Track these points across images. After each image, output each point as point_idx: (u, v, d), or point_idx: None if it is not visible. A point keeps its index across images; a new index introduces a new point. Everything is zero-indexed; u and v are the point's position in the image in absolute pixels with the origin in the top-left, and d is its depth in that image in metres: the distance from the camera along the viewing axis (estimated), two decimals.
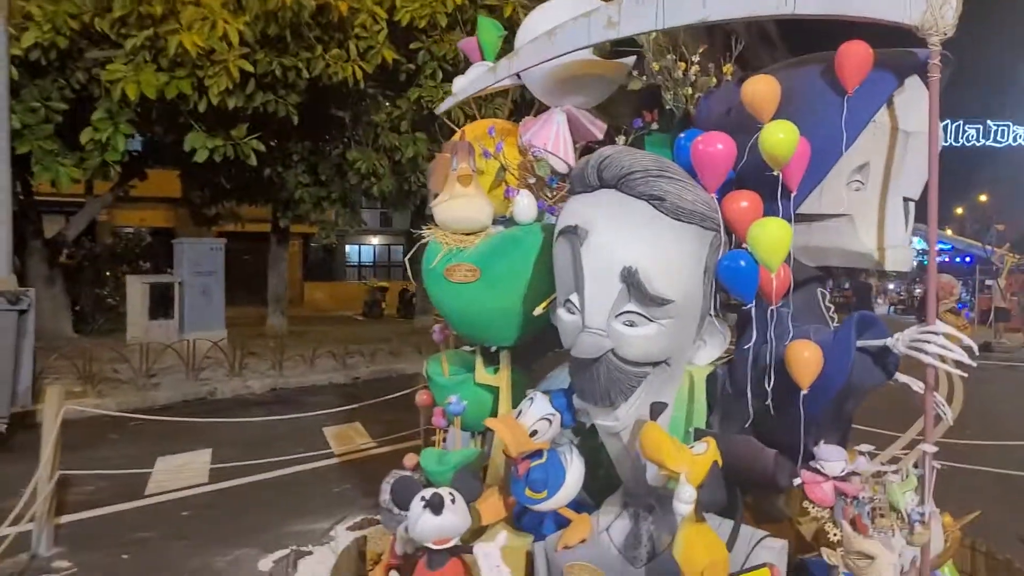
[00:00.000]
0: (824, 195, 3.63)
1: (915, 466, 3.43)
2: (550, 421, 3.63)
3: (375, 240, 40.81)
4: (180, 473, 7.17)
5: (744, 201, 3.37)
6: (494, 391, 4.24)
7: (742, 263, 3.22)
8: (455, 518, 3.57)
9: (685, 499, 3.04)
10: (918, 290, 31.59)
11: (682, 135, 3.62)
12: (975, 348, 3.33)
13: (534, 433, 3.62)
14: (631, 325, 3.24)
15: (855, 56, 3.35)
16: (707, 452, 3.18)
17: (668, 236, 3.21)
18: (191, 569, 4.91)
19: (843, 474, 3.30)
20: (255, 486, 6.84)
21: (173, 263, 15.02)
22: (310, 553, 5.08)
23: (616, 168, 3.26)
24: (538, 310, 3.69)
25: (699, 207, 3.22)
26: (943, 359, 3.27)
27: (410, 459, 4.46)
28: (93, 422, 9.19)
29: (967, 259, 23.27)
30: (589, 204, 3.34)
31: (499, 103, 12.95)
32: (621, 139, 4.26)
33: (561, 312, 3.46)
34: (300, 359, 13.51)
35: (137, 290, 13.75)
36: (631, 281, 3.17)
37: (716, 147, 3.28)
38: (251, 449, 7.97)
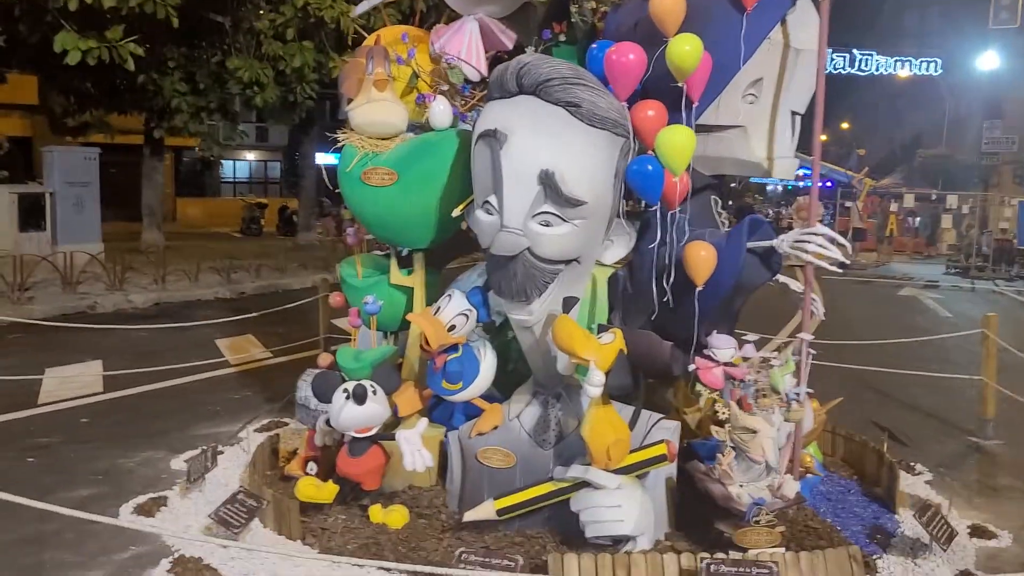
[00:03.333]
0: (721, 107, 3.92)
1: (793, 353, 3.85)
2: (467, 316, 3.86)
3: (251, 156, 39.40)
4: (72, 383, 7.03)
5: (651, 110, 3.62)
6: (407, 292, 4.42)
7: (649, 167, 3.49)
8: (377, 407, 3.79)
9: (595, 383, 3.34)
10: (784, 211, 33.23)
11: (594, 45, 3.80)
12: (849, 246, 3.74)
13: (452, 328, 3.84)
14: (546, 225, 3.47)
15: None
16: (614, 341, 3.48)
17: (583, 141, 3.43)
18: (99, 470, 4.93)
19: (731, 360, 3.66)
20: (153, 394, 6.81)
21: (33, 173, 14.15)
22: (221, 453, 5.17)
23: (535, 75, 3.43)
24: (456, 212, 3.86)
25: (612, 114, 3.45)
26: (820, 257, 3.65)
27: (324, 359, 4.62)
28: None
29: (828, 183, 24.61)
30: (508, 109, 3.51)
31: (390, 12, 12.77)
32: (530, 50, 4.41)
33: (479, 213, 3.65)
34: (182, 274, 13.19)
35: (4, 200, 12.97)
36: (548, 183, 3.38)
37: (628, 57, 3.49)
38: (143, 359, 7.86)
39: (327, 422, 4.07)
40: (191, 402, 6.57)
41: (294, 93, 14.08)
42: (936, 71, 33.04)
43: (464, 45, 4.28)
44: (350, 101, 4.30)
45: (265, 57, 13.53)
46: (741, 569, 3.16)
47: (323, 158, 24.47)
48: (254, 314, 7.90)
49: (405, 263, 4.44)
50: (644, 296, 4.09)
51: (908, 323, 11.92)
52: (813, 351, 3.80)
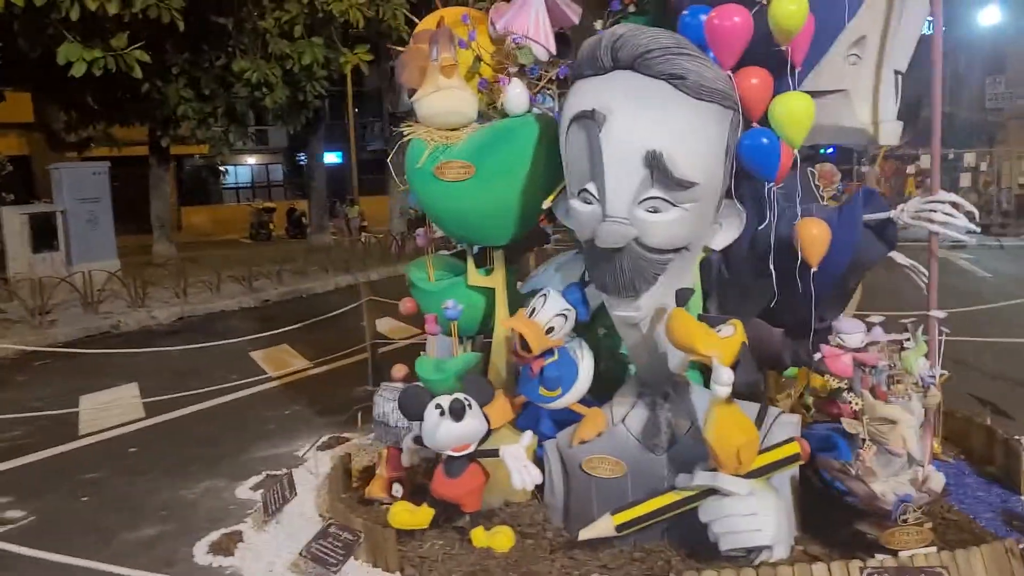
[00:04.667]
0: (823, 71, 3.59)
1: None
2: (566, 317, 3.54)
3: (251, 160, 39.01)
4: (111, 410, 6.74)
5: (755, 78, 3.29)
6: (486, 293, 4.10)
7: (765, 140, 3.17)
8: (475, 423, 3.49)
9: (724, 381, 3.03)
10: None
11: (686, 12, 3.47)
12: (976, 213, 3.42)
13: (549, 330, 3.53)
14: (655, 211, 3.15)
15: None
16: (735, 334, 3.17)
17: (690, 116, 3.10)
18: (160, 504, 4.64)
19: (862, 346, 3.35)
20: (199, 416, 6.52)
21: (34, 192, 13.77)
22: (287, 476, 4.88)
23: (632, 47, 3.11)
24: (547, 203, 3.55)
25: (719, 85, 3.12)
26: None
27: (399, 370, 4.32)
28: None
29: (830, 149, 24.20)
30: (603, 87, 3.18)
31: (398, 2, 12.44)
32: (599, 23, 4.08)
33: (575, 203, 3.33)
34: (202, 285, 12.89)
35: (15, 222, 12.61)
36: (655, 165, 3.06)
37: (733, 20, 3.16)
38: (180, 379, 7.60)
39: (415, 440, 3.76)
40: (240, 422, 6.27)
41: (303, 92, 13.72)
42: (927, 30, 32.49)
43: (531, 23, 3.94)
44: (412, 92, 3.98)
45: (272, 56, 13.17)
46: None
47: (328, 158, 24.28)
48: (296, 325, 7.54)
49: (481, 262, 4.12)
50: (744, 281, 3.79)
51: (950, 286, 11.59)
52: (946, 329, 3.49)
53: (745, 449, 3.16)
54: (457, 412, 3.38)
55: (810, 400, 4.34)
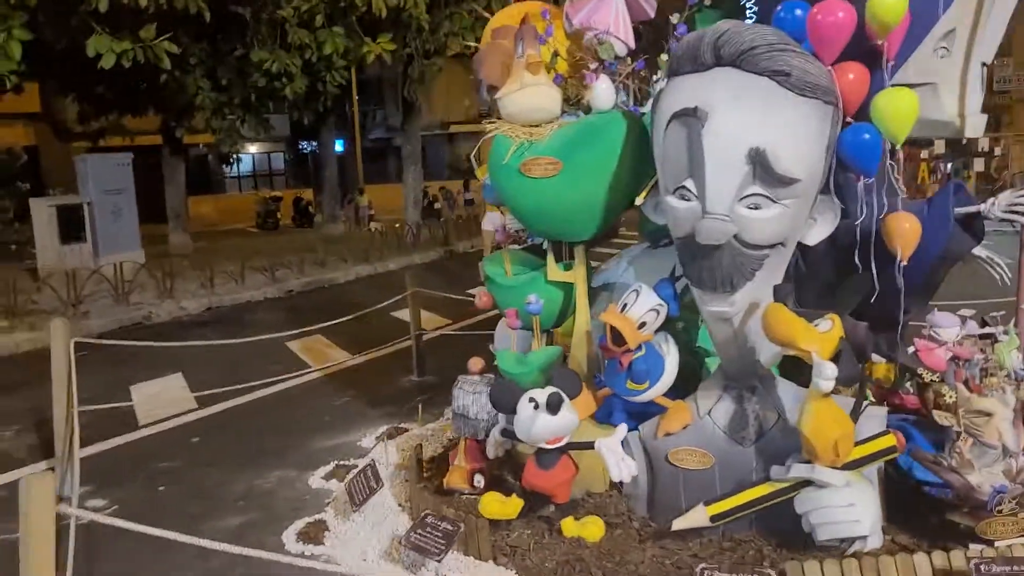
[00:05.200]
0: (912, 64, 3.61)
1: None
2: (658, 312, 3.58)
3: (253, 149, 38.85)
4: (163, 400, 6.80)
5: (851, 73, 3.31)
6: (564, 288, 4.14)
7: (867, 136, 3.19)
8: (570, 416, 3.53)
9: (827, 376, 3.06)
10: None
11: (779, 8, 3.48)
12: None
13: (642, 325, 3.57)
14: (755, 208, 3.18)
15: None
16: (833, 329, 3.20)
17: (793, 113, 3.12)
18: (238, 494, 4.70)
19: (959, 339, 3.39)
20: (252, 407, 6.57)
21: (43, 182, 13.77)
22: (355, 467, 4.94)
23: (737, 44, 3.13)
24: (639, 199, 3.58)
25: (822, 81, 3.15)
26: None
27: (476, 363, 4.36)
28: (31, 357, 8.61)
29: None
30: (705, 84, 3.20)
31: None
32: (675, 16, 4.11)
33: (671, 200, 3.36)
34: (226, 275, 12.91)
35: (43, 214, 12.64)
36: (759, 162, 3.09)
37: (837, 15, 3.17)
38: (224, 370, 7.64)
39: (503, 432, 3.82)
40: (295, 413, 6.33)
41: (323, 81, 13.70)
42: None
43: (612, 18, 3.97)
44: (491, 88, 4.01)
45: (291, 46, 13.13)
46: (1015, 568, 2.91)
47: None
48: (340, 320, 7.55)
49: (559, 257, 4.16)
50: (823, 276, 3.83)
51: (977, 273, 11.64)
52: None
53: (842, 441, 3.20)
54: (554, 406, 3.42)
55: (869, 392, 4.39)
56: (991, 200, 3.48)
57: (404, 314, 9.52)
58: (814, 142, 3.18)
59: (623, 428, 3.59)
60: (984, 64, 3.73)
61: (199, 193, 34.12)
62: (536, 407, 3.50)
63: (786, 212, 3.21)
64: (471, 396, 4.14)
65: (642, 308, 3.55)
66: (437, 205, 25.59)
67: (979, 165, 22.68)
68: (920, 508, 3.54)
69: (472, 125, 35.13)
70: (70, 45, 11.25)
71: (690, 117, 3.16)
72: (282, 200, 29.12)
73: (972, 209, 3.50)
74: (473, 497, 4.04)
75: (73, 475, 4.75)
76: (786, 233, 3.29)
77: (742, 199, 3.17)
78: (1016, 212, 3.43)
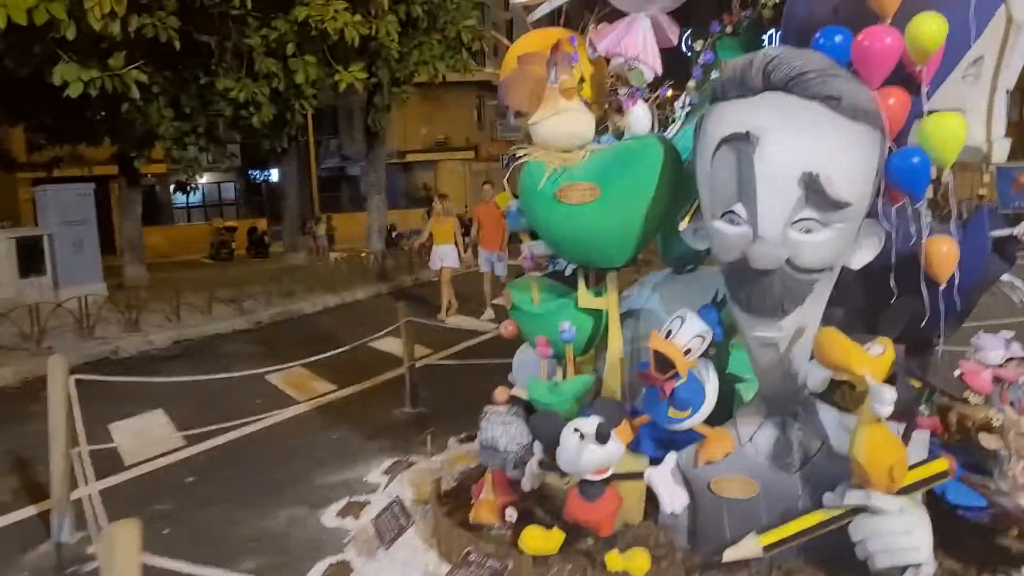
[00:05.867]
0: (942, 90, 3.65)
1: None
2: (703, 338, 3.53)
3: (203, 179, 38.22)
4: (147, 439, 6.54)
5: (892, 98, 3.33)
6: (594, 315, 4.07)
7: (916, 160, 3.20)
8: (617, 445, 3.46)
9: (886, 401, 3.03)
10: None
11: (818, 34, 3.50)
12: None
13: (687, 352, 3.51)
14: (807, 232, 3.17)
15: None
16: (885, 352, 3.19)
17: (844, 137, 3.13)
18: (249, 536, 4.51)
19: (1004, 361, 3.41)
20: (243, 443, 6.36)
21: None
22: (368, 503, 4.79)
23: (787, 69, 3.13)
24: (683, 224, 3.54)
25: (871, 106, 3.16)
26: None
27: (502, 393, 4.25)
28: None
29: None
30: (754, 109, 3.19)
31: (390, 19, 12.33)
32: (699, 43, 4.12)
33: (719, 224, 3.32)
34: (191, 308, 12.57)
35: (2, 246, 12.18)
36: (812, 187, 3.08)
37: (884, 42, 3.19)
38: (205, 405, 7.40)
39: (540, 464, 3.72)
40: (290, 448, 6.14)
41: (291, 110, 13.54)
42: None
43: (640, 44, 3.95)
44: (518, 114, 3.96)
45: (259, 75, 12.96)
46: None
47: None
48: (322, 356, 7.32)
49: (589, 283, 4.09)
50: (853, 301, 3.83)
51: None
52: None
53: (897, 467, 3.18)
54: (604, 436, 3.35)
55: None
56: (1023, 224, 3.53)
57: (384, 344, 9.42)
58: (864, 166, 3.18)
59: (672, 457, 3.53)
60: (1008, 91, 3.80)
61: (149, 224, 33.48)
62: (582, 437, 3.42)
63: (837, 236, 3.20)
64: (500, 427, 4.03)
65: (688, 335, 3.49)
66: (395, 234, 25.48)
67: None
68: (956, 533, 3.53)
69: (429, 154, 35.27)
70: (33, 74, 10.95)
71: (741, 142, 3.14)
72: (236, 230, 28.71)
73: (1006, 232, 3.54)
74: (503, 532, 3.93)
75: (68, 520, 4.55)
76: (836, 257, 3.29)
77: (794, 223, 3.15)
78: None
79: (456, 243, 12.51)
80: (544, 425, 3.55)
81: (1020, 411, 3.34)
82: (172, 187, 30.72)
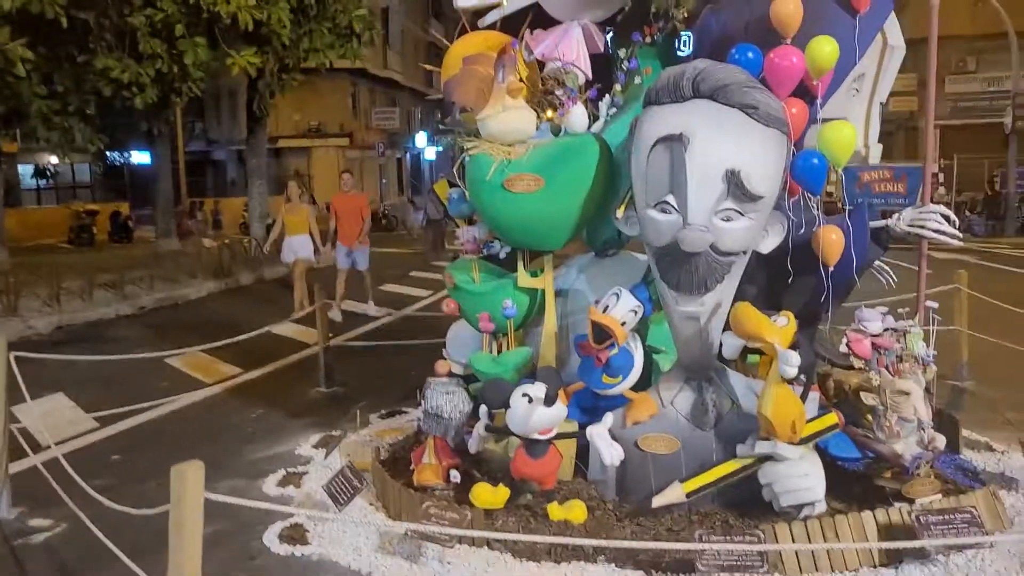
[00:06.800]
0: (831, 102, 4.27)
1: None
2: (636, 313, 4.01)
3: (54, 160, 36.07)
4: (57, 419, 6.47)
5: (794, 107, 3.91)
6: (531, 294, 4.49)
7: (815, 161, 3.79)
8: (561, 408, 3.89)
9: (792, 363, 3.60)
10: None
11: (733, 50, 4.02)
12: (957, 222, 4.22)
13: (623, 324, 3.98)
14: (728, 220, 3.70)
15: None
16: (789, 324, 3.77)
17: (760, 140, 3.68)
18: None
19: (881, 332, 4.05)
20: (161, 423, 6.43)
21: None
22: (306, 473, 5.03)
23: (713, 81, 3.64)
24: (618, 213, 4.00)
25: (781, 114, 3.72)
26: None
27: (442, 366, 4.61)
28: None
29: None
30: (684, 114, 3.70)
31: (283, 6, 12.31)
32: (622, 51, 4.58)
33: (652, 213, 3.81)
34: (68, 292, 12.15)
35: None
36: (734, 181, 3.61)
37: (792, 60, 3.77)
38: (110, 389, 7.36)
39: (487, 428, 4.11)
40: (213, 426, 6.27)
41: (178, 92, 13.27)
42: None
43: (574, 50, 4.39)
44: (463, 110, 4.32)
45: (143, 56, 12.65)
46: (947, 516, 3.56)
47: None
48: (221, 342, 7.32)
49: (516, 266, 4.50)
50: (755, 281, 4.41)
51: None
52: (940, 317, 4.28)
53: (798, 421, 3.76)
54: (551, 399, 3.77)
55: None
56: (896, 215, 4.19)
57: (281, 329, 9.56)
58: (775, 165, 3.75)
59: (610, 416, 3.99)
60: (882, 103, 4.48)
61: None
62: (530, 401, 3.83)
63: (752, 224, 3.75)
64: (444, 397, 4.40)
65: (623, 309, 3.96)
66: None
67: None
68: (840, 479, 4.16)
69: (300, 140, 34.69)
70: None
71: (675, 141, 3.63)
72: (98, 214, 27.44)
73: (880, 223, 4.20)
74: (448, 492, 4.29)
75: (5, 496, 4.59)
76: (750, 242, 3.84)
77: (717, 212, 3.68)
78: (918, 226, 4.14)
79: (311, 234, 11.28)
80: (495, 391, 3.94)
81: (893, 373, 3.99)
82: (26, 168, 29.13)
